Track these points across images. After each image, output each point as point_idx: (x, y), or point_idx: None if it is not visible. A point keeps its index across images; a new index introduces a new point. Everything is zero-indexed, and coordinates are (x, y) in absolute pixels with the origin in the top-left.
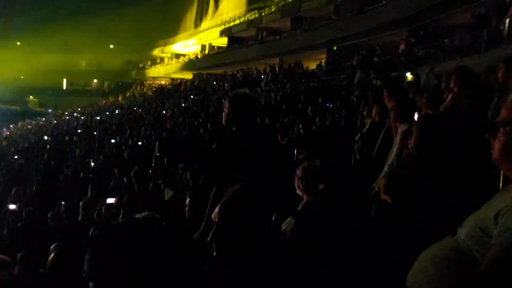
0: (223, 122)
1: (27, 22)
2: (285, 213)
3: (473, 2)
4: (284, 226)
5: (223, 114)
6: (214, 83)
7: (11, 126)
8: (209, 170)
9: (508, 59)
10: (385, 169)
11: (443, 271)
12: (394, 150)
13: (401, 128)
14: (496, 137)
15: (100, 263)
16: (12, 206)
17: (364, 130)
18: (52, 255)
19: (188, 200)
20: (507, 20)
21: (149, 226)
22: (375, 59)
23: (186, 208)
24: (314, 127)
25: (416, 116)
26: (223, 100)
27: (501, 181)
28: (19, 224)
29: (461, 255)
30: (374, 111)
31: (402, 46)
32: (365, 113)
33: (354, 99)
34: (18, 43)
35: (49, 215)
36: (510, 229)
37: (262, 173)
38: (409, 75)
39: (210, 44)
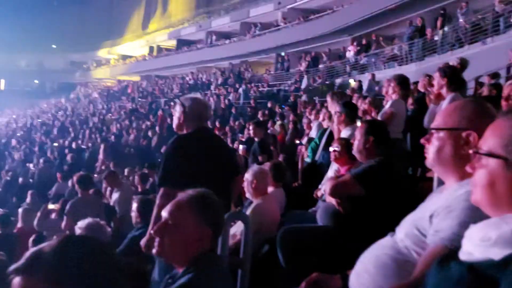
0: (174, 126)
1: None
2: (236, 218)
3: (410, 14)
4: (233, 229)
5: (174, 118)
6: (163, 85)
7: None
8: (158, 174)
9: (442, 67)
10: (330, 172)
11: (383, 271)
12: None
13: (345, 132)
14: (431, 142)
15: None
16: None
17: (310, 134)
18: None
19: (135, 205)
20: (440, 31)
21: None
22: (321, 65)
23: (133, 214)
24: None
25: (358, 123)
26: (174, 104)
27: (435, 183)
28: None
29: (399, 254)
30: (321, 116)
31: (348, 54)
32: (312, 117)
33: (302, 103)
34: None
35: None
36: (443, 228)
37: (213, 177)
38: (352, 82)
39: (158, 46)
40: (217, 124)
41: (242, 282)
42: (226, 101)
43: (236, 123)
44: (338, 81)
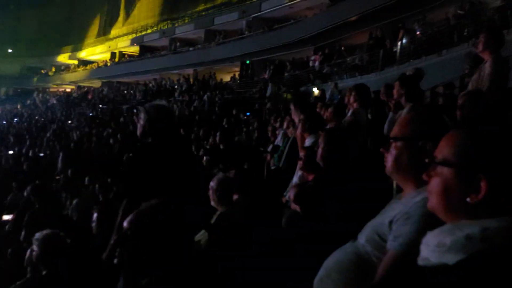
0: (138, 133)
1: None
2: (199, 226)
3: (370, 25)
4: (198, 237)
5: (138, 125)
6: (125, 92)
7: None
8: (121, 183)
9: (402, 77)
10: (295, 179)
11: (345, 275)
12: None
13: (309, 140)
14: (389, 151)
15: None
16: None
17: (276, 141)
18: None
19: (95, 215)
20: (399, 43)
21: None
22: (285, 74)
23: (93, 224)
24: (229, 138)
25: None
26: (138, 111)
27: (394, 190)
28: None
29: (361, 260)
30: (286, 123)
31: (313, 63)
32: (277, 124)
33: (266, 111)
34: None
35: None
36: (401, 234)
37: (178, 185)
38: (315, 90)
39: (120, 52)
40: (181, 131)
41: None
42: (192, 108)
43: (201, 130)
44: (302, 89)
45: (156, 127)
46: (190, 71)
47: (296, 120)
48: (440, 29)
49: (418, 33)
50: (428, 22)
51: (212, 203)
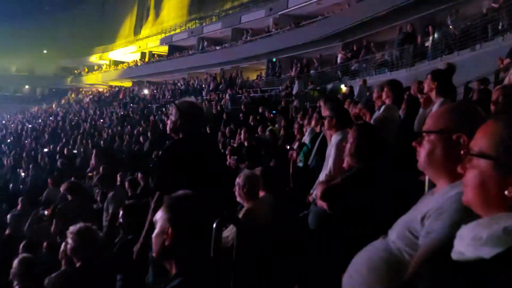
0: (169, 129)
1: None
2: (227, 221)
3: (400, 21)
4: (226, 233)
5: (169, 121)
6: (155, 91)
7: None
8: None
9: (433, 71)
10: (322, 176)
11: (375, 272)
12: (330, 158)
13: (336, 137)
14: (422, 145)
15: None
16: None
17: (303, 139)
18: None
19: (121, 212)
20: (430, 38)
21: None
22: (312, 71)
23: (120, 220)
24: (256, 136)
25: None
26: (169, 108)
27: (426, 186)
28: None
29: (392, 257)
30: (314, 121)
31: (339, 59)
32: (305, 122)
33: (293, 109)
34: None
35: None
36: (434, 230)
37: (206, 180)
38: (343, 87)
39: (150, 52)
40: (208, 129)
41: (234, 285)
42: (218, 106)
43: (227, 128)
44: (329, 86)
45: (187, 122)
46: (217, 70)
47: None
48: (474, 23)
49: (450, 27)
50: (461, 16)
51: (238, 199)
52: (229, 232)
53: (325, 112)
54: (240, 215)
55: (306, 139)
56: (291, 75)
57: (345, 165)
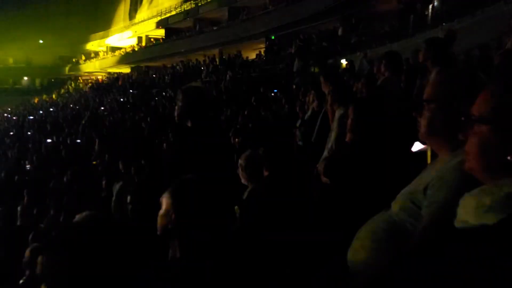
0: (176, 115)
1: None
2: (231, 202)
3: None
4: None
5: (176, 107)
6: (154, 76)
7: None
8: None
9: (428, 40)
10: (325, 153)
11: (379, 245)
12: (333, 134)
13: (338, 112)
14: (422, 115)
15: (58, 267)
16: None
17: (306, 116)
18: None
19: (129, 197)
20: (430, 6)
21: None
22: (311, 47)
23: (129, 206)
24: (257, 116)
25: None
26: (176, 94)
27: (428, 156)
28: None
29: (395, 228)
30: (311, 97)
31: (339, 33)
32: (307, 99)
33: (294, 86)
34: None
35: None
36: (436, 200)
37: (214, 164)
38: (344, 62)
39: (146, 36)
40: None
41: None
42: (219, 88)
43: (229, 110)
44: (330, 62)
45: (194, 109)
46: (215, 51)
47: (326, 92)
48: None
49: None
50: None
51: (242, 180)
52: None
53: (325, 88)
54: (244, 197)
55: (308, 116)
56: (291, 52)
57: (347, 139)
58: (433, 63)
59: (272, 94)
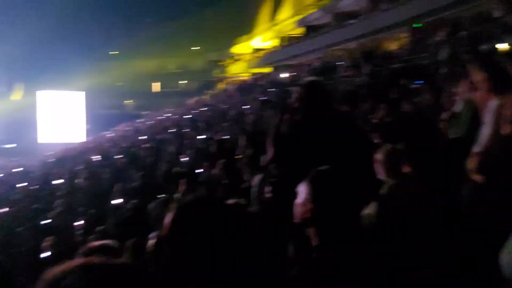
0: (291, 109)
1: (123, 34)
2: (368, 197)
3: None
4: (367, 210)
5: (294, 102)
6: (294, 74)
7: (111, 129)
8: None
9: None
10: (476, 147)
11: None
12: (486, 126)
13: (494, 102)
14: None
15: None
16: (116, 201)
17: (455, 109)
18: (152, 242)
19: (268, 188)
20: None
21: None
22: (462, 32)
23: (268, 196)
24: (398, 110)
25: None
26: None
27: None
28: (125, 216)
29: None
30: (463, 87)
31: (495, 15)
32: (456, 90)
33: (441, 76)
34: (117, 52)
35: (149, 207)
36: None
37: (349, 158)
38: (501, 46)
39: (287, 36)
40: (346, 107)
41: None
42: (358, 82)
43: (367, 104)
44: (483, 47)
45: (307, 103)
46: (354, 44)
47: (478, 81)
48: None
49: None
50: None
51: (380, 175)
52: (371, 209)
53: (478, 76)
54: (383, 192)
55: (457, 108)
56: (438, 40)
57: (505, 132)
58: None
59: (414, 86)
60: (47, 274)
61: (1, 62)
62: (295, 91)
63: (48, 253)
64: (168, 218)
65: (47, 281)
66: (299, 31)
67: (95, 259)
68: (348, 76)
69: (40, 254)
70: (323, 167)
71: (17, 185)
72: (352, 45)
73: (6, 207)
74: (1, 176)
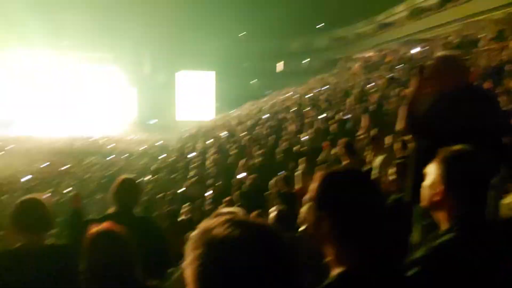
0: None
1: (249, 16)
2: (509, 185)
3: None
4: (507, 199)
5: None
6: (425, 48)
7: (238, 108)
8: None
9: None
10: None
11: None
12: None
13: None
14: None
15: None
16: (241, 175)
17: None
18: (273, 214)
19: (391, 169)
20: None
21: None
22: None
23: (390, 177)
24: None
25: None
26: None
27: None
28: (246, 190)
29: None
30: None
31: None
32: None
33: None
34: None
35: (270, 183)
36: None
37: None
38: None
39: (418, 8)
40: (488, 84)
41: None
42: (501, 57)
43: None
44: None
45: (440, 79)
46: (500, 14)
47: None
48: None
49: None
50: None
51: None
52: (511, 198)
53: None
54: None
55: None
56: None
57: None
58: None
59: None
60: (198, 229)
61: (147, 47)
62: (427, 66)
63: (185, 217)
64: (314, 184)
65: (200, 232)
66: (431, 2)
67: (238, 215)
68: (491, 50)
69: (177, 218)
70: (457, 147)
71: (159, 157)
72: (497, 14)
73: (149, 175)
74: (146, 148)
